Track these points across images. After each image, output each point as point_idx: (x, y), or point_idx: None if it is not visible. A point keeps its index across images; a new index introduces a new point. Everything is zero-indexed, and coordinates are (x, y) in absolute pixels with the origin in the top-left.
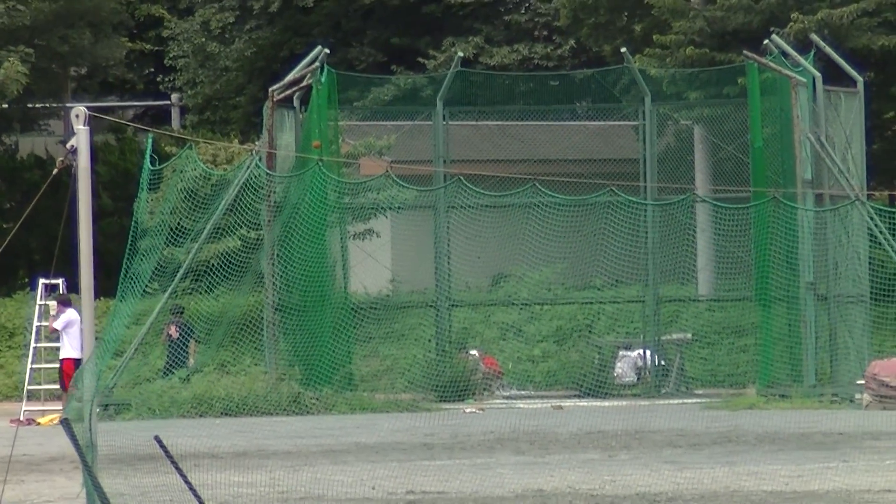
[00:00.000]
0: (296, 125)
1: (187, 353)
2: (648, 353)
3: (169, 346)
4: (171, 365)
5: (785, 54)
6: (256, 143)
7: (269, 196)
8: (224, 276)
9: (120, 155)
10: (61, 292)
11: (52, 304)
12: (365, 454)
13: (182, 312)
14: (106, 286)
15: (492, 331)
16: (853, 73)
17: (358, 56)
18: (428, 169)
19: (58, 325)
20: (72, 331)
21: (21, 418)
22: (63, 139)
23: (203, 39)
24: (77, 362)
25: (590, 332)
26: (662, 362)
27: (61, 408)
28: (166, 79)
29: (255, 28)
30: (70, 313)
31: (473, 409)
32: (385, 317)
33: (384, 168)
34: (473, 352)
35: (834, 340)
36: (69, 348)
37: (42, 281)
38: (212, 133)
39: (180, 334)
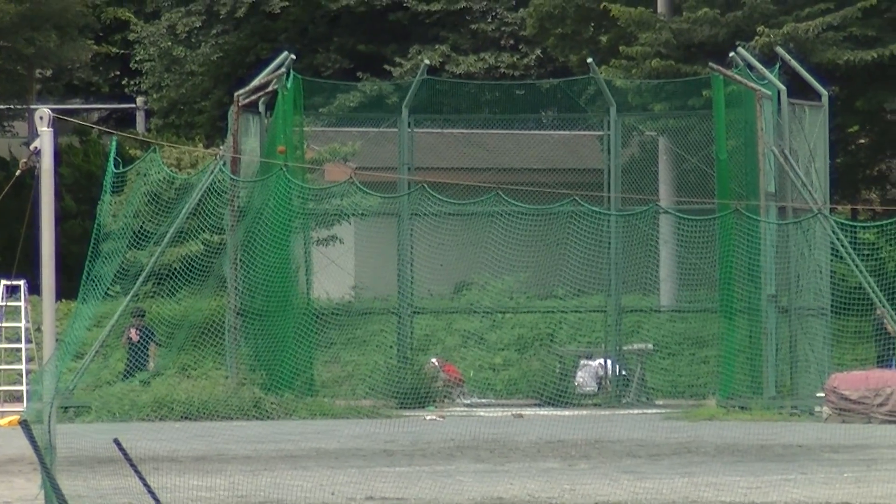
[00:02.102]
0: (261, 130)
1: (147, 356)
2: (610, 362)
3: (129, 349)
4: (130, 368)
5: (750, 67)
6: (221, 147)
7: (232, 200)
8: (186, 279)
9: (84, 157)
10: None
11: (16, 304)
12: (325, 460)
13: (143, 315)
14: (67, 288)
15: (454, 338)
16: (818, 86)
17: (324, 62)
18: (392, 176)
19: None
20: None
21: None
22: (27, 141)
23: (169, 43)
24: None
25: (551, 340)
26: (623, 372)
27: None
28: (132, 82)
29: (221, 33)
30: None
31: (434, 417)
32: (347, 323)
33: (348, 174)
34: (434, 360)
35: (795, 353)
36: None
37: (3, 282)
38: (177, 137)
39: (140, 337)
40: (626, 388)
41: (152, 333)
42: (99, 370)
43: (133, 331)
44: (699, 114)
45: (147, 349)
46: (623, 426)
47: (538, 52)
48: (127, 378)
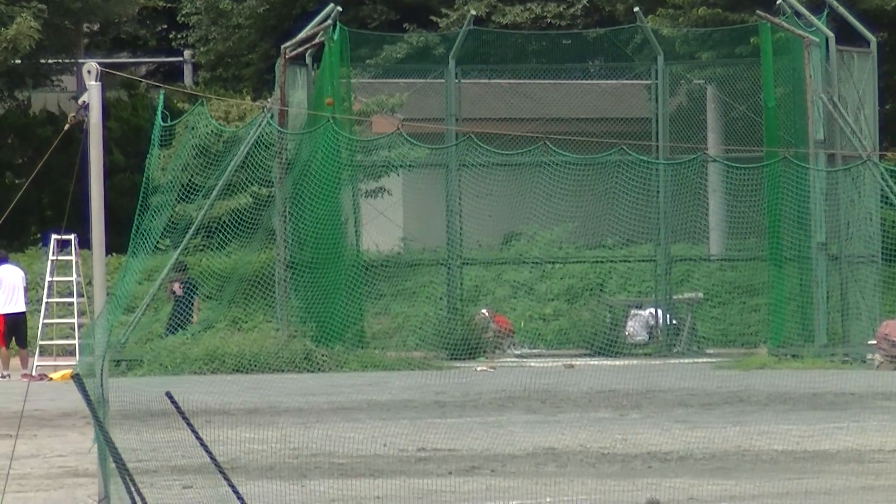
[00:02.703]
0: (308, 83)
1: (191, 310)
2: (660, 312)
3: (173, 303)
4: (174, 322)
5: (798, 14)
6: (268, 100)
7: (280, 153)
8: (235, 232)
9: (132, 111)
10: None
11: (67, 258)
12: (376, 411)
13: (186, 269)
14: (117, 242)
15: (503, 289)
16: (866, 33)
17: (370, 14)
18: (439, 127)
19: None
20: (2, 286)
21: (33, 373)
22: (75, 95)
23: None
24: (5, 318)
25: (601, 291)
26: (674, 321)
27: None
28: (178, 35)
29: None
30: (1, 269)
31: (485, 368)
32: (396, 274)
33: (396, 126)
34: (484, 311)
35: (845, 301)
36: (1, 304)
37: (54, 237)
38: (224, 90)
39: (184, 291)
40: (677, 338)
41: (195, 287)
42: (150, 324)
43: (176, 285)
44: (746, 62)
45: (191, 303)
46: (674, 376)
47: (584, 1)
48: (170, 332)
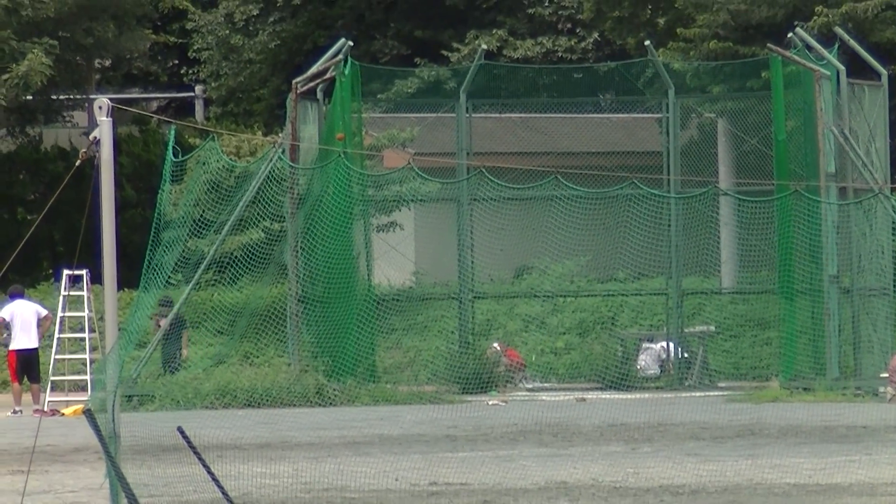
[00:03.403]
0: (319, 117)
1: (179, 344)
2: (672, 345)
3: (162, 340)
4: (165, 357)
5: (809, 47)
6: (280, 135)
7: (292, 188)
8: (247, 267)
9: (143, 146)
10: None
11: (79, 294)
12: (388, 446)
13: (171, 304)
14: (129, 277)
15: (515, 323)
16: (877, 66)
17: (381, 48)
18: (451, 161)
19: (4, 314)
20: (15, 322)
21: (45, 409)
22: (86, 131)
23: (227, 32)
24: (17, 354)
25: (613, 324)
26: (685, 355)
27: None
28: (190, 71)
29: (278, 20)
30: (15, 304)
31: (497, 402)
32: (408, 308)
33: (407, 160)
34: (496, 345)
35: (857, 333)
36: (14, 340)
37: (66, 272)
38: (235, 125)
39: (173, 326)
40: (689, 371)
41: (183, 321)
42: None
43: (162, 320)
44: (758, 95)
45: (179, 338)
46: (686, 409)
47: (595, 35)
48: (165, 367)
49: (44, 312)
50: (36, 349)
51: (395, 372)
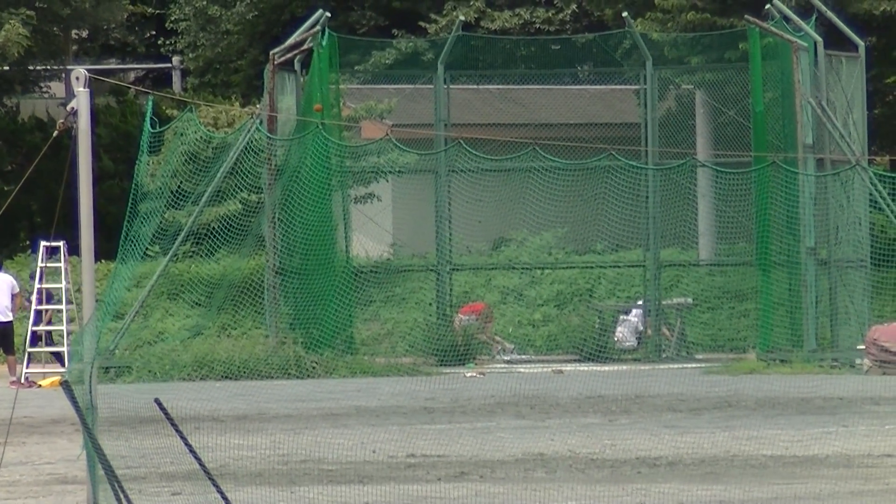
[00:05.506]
0: (297, 88)
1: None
2: (649, 317)
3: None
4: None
5: (786, 19)
6: (257, 106)
7: (269, 159)
8: (225, 239)
9: (121, 117)
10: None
11: (56, 265)
12: (365, 418)
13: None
14: (106, 248)
15: (492, 295)
16: (855, 37)
17: (359, 20)
18: (429, 133)
19: None
20: None
21: (22, 380)
22: (64, 101)
23: (204, 2)
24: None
25: (590, 296)
26: (665, 327)
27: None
28: (167, 42)
29: None
30: None
31: (474, 374)
32: (386, 280)
33: (385, 132)
34: (460, 315)
35: (834, 305)
36: None
37: (43, 243)
38: (213, 96)
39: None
40: (666, 343)
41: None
42: (139, 330)
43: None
44: (735, 66)
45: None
46: (663, 381)
47: (573, 6)
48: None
49: (17, 289)
50: (10, 322)
51: (373, 344)
